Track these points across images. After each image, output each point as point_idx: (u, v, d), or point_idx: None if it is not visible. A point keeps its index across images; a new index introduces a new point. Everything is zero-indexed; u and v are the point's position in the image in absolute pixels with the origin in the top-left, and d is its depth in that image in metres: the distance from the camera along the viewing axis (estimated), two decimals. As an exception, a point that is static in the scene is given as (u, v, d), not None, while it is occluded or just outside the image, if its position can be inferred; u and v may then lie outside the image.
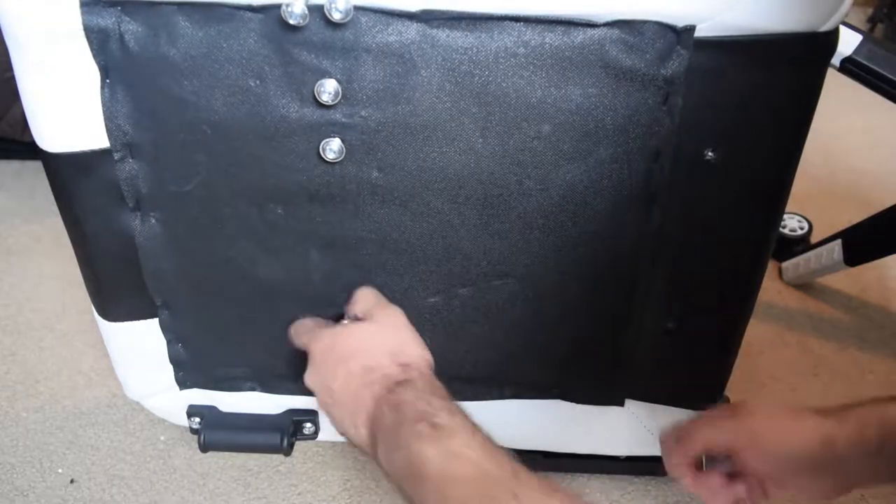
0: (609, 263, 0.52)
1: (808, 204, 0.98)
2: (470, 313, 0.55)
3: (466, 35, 0.42)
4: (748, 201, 0.49)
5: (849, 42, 0.67)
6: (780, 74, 0.44)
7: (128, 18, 0.42)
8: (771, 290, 0.90)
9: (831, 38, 0.43)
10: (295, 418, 0.61)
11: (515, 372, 0.58)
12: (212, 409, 0.61)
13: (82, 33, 0.42)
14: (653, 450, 0.63)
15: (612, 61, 0.43)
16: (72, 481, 0.66)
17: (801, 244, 0.92)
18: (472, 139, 0.46)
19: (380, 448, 0.42)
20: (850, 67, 0.68)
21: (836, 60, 0.68)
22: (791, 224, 0.94)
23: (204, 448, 0.61)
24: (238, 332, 0.56)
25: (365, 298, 0.51)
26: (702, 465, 0.48)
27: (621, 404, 0.60)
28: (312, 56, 0.43)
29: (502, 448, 0.38)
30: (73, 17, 0.41)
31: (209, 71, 0.43)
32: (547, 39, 0.42)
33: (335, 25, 0.41)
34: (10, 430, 0.71)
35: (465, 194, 0.48)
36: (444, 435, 0.38)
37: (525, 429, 0.62)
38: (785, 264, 0.91)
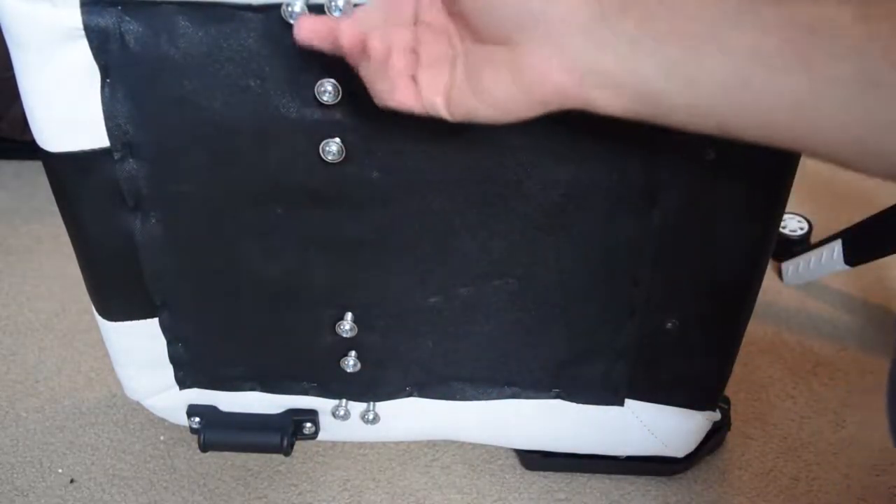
0: (609, 263, 0.52)
1: (808, 204, 0.98)
2: (470, 313, 0.55)
3: (466, 35, 0.42)
4: (748, 201, 0.49)
5: (849, 42, 0.67)
6: (781, 74, 0.44)
7: (128, 18, 0.42)
8: (771, 290, 0.89)
9: (831, 38, 0.43)
10: (295, 418, 0.61)
11: (515, 372, 0.58)
12: (212, 409, 0.61)
13: (82, 33, 0.42)
14: (653, 450, 0.63)
15: (612, 61, 0.43)
16: (72, 481, 0.66)
17: (801, 244, 0.92)
18: (472, 138, 0.46)
19: None
20: (850, 68, 0.68)
21: (836, 60, 0.67)
22: (791, 224, 0.94)
23: (204, 448, 0.61)
24: (238, 332, 0.56)
25: None
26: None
27: (621, 404, 0.60)
28: (313, 56, 0.43)
29: None
30: (73, 17, 0.41)
31: (209, 71, 0.43)
32: (547, 39, 0.42)
33: (335, 25, 0.41)
34: (10, 430, 0.71)
35: (465, 194, 0.48)
36: None
37: (525, 429, 0.62)
38: (785, 264, 0.91)
